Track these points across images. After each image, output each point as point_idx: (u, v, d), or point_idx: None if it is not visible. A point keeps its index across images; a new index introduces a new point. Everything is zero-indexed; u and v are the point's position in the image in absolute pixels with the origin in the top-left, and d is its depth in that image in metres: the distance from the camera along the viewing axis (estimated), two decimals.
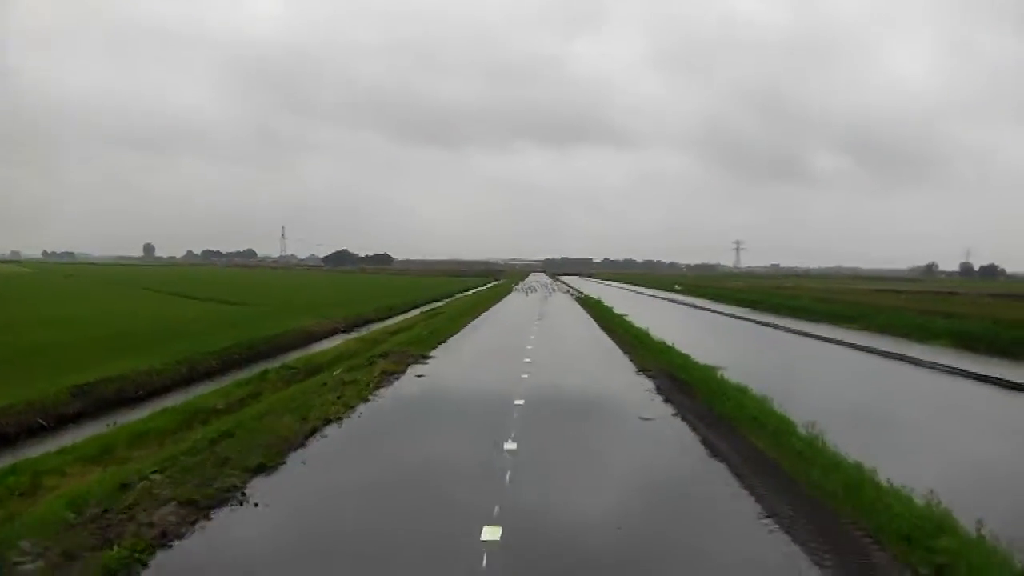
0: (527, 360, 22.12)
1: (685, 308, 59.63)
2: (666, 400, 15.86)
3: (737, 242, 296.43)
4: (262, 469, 9.87)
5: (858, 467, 9.28)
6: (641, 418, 13.84)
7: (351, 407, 14.44)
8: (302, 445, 11.41)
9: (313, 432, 12.23)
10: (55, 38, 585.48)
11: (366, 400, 15.40)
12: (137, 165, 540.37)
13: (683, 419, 13.86)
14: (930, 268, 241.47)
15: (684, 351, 22.50)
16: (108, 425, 14.75)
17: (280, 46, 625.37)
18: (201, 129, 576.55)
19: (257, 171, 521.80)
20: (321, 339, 34.54)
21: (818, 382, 20.88)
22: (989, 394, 18.90)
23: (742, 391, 15.21)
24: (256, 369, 24.06)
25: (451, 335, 30.25)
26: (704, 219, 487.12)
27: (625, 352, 24.93)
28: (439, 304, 60.92)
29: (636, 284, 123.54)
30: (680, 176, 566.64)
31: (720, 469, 10.47)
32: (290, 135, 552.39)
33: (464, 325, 35.31)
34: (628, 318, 38.01)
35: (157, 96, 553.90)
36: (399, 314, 49.80)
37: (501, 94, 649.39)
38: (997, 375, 20.69)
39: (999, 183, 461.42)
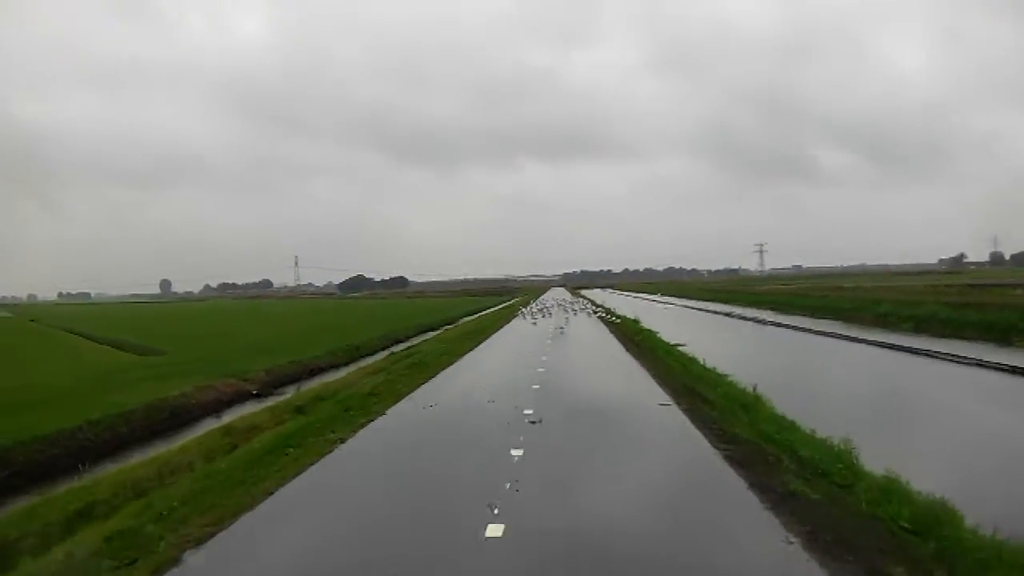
0: None
1: (754, 326, 45.22)
2: None
3: (760, 245, 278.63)
4: None
5: None
6: None
7: None
8: None
9: None
10: (52, 83, 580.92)
11: None
12: (152, 201, 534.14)
13: None
14: (959, 259, 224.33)
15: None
16: None
17: (274, 72, 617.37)
18: (212, 162, 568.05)
19: (269, 201, 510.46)
20: (199, 418, 21.26)
21: None
22: None
23: None
24: None
25: (344, 439, 13.48)
26: (721, 224, 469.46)
27: None
28: (431, 334, 48.12)
29: (668, 295, 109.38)
30: (692, 182, 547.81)
31: None
32: (298, 163, 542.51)
33: (402, 397, 18.42)
34: (693, 354, 24.35)
35: (166, 132, 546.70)
36: (365, 356, 36.42)
37: (503, 111, 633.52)
38: None
39: (1013, 168, 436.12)
